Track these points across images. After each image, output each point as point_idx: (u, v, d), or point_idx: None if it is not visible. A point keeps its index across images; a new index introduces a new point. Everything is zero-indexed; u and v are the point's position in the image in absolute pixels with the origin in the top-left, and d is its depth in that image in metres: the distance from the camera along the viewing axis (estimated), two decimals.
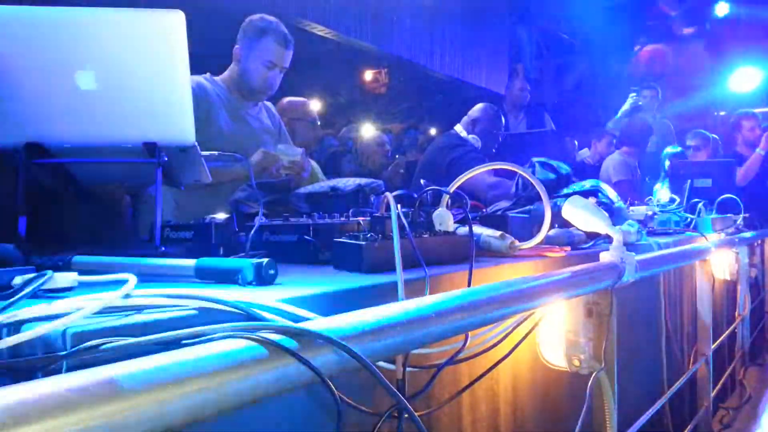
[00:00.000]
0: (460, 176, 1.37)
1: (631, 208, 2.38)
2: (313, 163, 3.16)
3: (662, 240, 2.02)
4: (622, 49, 9.10)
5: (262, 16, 2.27)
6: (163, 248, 1.22)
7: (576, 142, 5.31)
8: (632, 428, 1.47)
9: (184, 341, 0.48)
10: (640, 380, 1.84)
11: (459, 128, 3.60)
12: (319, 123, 3.37)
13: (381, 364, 0.80)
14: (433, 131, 6.87)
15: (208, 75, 2.30)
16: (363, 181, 1.89)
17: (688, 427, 2.20)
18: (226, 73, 2.33)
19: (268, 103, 2.50)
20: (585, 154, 5.37)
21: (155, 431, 0.38)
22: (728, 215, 3.03)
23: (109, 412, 0.36)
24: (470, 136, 3.51)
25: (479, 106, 3.67)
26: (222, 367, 0.43)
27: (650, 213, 2.41)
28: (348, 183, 1.85)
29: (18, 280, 0.76)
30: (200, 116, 2.12)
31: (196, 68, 1.36)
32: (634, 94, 5.30)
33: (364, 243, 1.01)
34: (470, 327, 0.76)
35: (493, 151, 3.51)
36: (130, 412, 0.37)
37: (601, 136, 5.14)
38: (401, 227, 0.98)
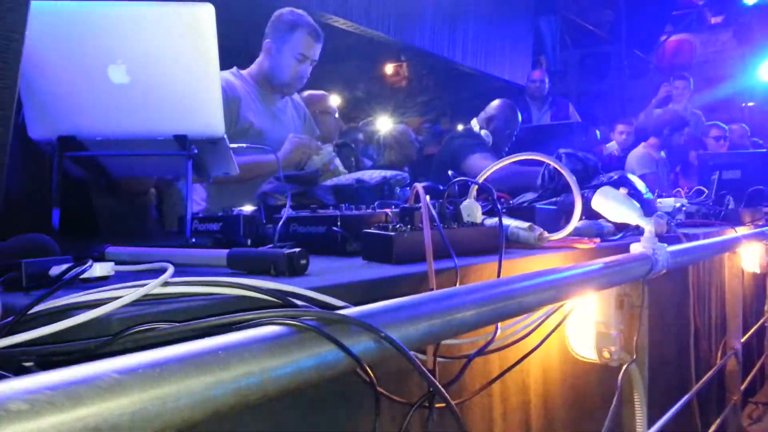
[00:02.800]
0: (489, 167, 1.37)
1: (659, 199, 2.35)
2: (336, 158, 3.17)
3: (691, 231, 1.99)
4: (648, 40, 8.95)
5: (291, 9, 2.28)
6: (193, 240, 1.24)
7: (598, 133, 5.26)
8: (660, 421, 1.45)
9: (227, 327, 0.48)
10: (668, 373, 1.81)
11: (474, 122, 3.62)
12: (337, 115, 3.38)
13: (412, 353, 0.80)
14: (453, 124, 6.84)
15: (234, 69, 2.32)
16: (388, 173, 1.90)
17: (717, 421, 2.16)
18: (254, 67, 2.34)
19: (295, 95, 2.52)
20: (612, 147, 5.30)
21: (205, 414, 0.39)
22: (758, 207, 2.97)
23: (161, 395, 0.37)
24: (482, 132, 3.52)
25: (496, 102, 3.66)
26: (266, 352, 0.43)
27: (678, 205, 2.37)
28: (373, 175, 1.86)
29: (55, 269, 0.78)
30: (228, 111, 2.15)
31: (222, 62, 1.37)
32: (665, 84, 5.22)
33: (394, 234, 1.01)
34: (504, 316, 0.76)
35: (506, 150, 3.52)
36: (181, 395, 0.38)
37: (614, 126, 5.11)
38: (431, 218, 0.98)
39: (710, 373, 2.03)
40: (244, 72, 2.33)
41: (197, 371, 0.39)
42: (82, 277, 0.74)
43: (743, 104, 8.19)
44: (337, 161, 3.15)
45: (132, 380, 0.36)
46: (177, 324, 0.49)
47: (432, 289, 0.82)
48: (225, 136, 1.33)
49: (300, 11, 2.28)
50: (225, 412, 0.40)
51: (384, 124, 5.04)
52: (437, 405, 0.81)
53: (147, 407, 0.36)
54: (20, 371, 0.50)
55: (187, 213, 1.24)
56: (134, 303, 0.58)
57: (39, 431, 0.31)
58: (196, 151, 1.29)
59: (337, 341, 0.47)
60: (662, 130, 4.38)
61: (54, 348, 0.49)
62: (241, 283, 0.62)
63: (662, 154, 4.49)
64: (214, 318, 0.50)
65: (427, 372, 0.56)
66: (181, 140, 1.27)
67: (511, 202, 1.94)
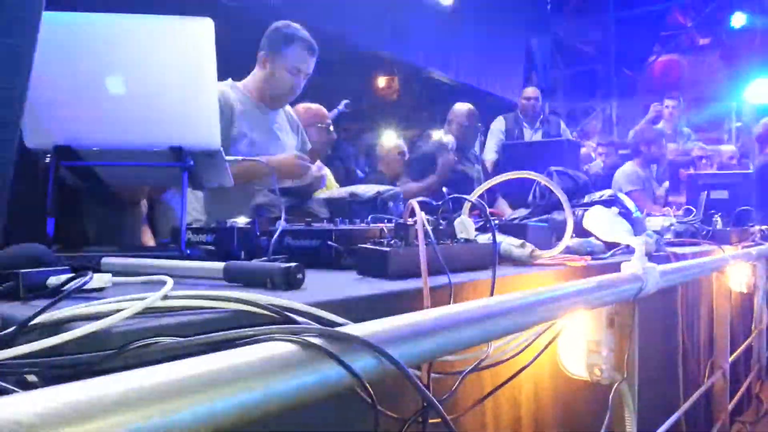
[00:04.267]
0: (482, 185, 1.38)
1: (648, 218, 2.38)
2: (326, 170, 3.18)
3: (680, 251, 2.01)
4: (637, 59, 9.08)
5: (287, 23, 2.29)
6: (188, 252, 1.24)
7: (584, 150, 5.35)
8: None
9: (230, 342, 0.49)
10: (657, 392, 1.83)
11: (437, 133, 3.81)
12: (332, 128, 3.40)
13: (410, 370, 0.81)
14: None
15: (230, 81, 2.33)
16: (381, 188, 1.91)
17: None
18: (248, 79, 2.36)
19: (287, 107, 2.53)
20: (597, 165, 5.37)
21: (207, 430, 0.39)
22: (745, 227, 3.02)
23: (167, 411, 0.37)
24: (446, 138, 3.70)
25: (455, 106, 3.97)
26: (268, 369, 0.44)
27: (667, 224, 2.40)
28: (367, 190, 1.87)
29: (53, 280, 0.78)
30: (222, 122, 2.15)
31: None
32: (656, 104, 5.31)
33: (389, 249, 1.02)
34: (499, 334, 0.77)
35: (475, 148, 3.72)
36: (185, 411, 0.38)
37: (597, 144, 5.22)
38: (425, 235, 0.99)
39: (698, 392, 2.05)
40: (239, 84, 2.34)
41: (201, 387, 0.39)
42: (79, 288, 0.74)
43: (730, 125, 8.32)
44: (328, 172, 3.15)
45: (138, 397, 0.37)
46: (180, 338, 0.50)
47: (427, 306, 0.83)
48: (221, 149, 1.34)
49: (296, 25, 2.30)
50: (227, 428, 0.40)
51: (376, 137, 5.07)
52: (431, 420, 0.82)
53: (153, 423, 0.36)
54: (22, 384, 0.50)
55: (181, 224, 1.24)
56: (135, 316, 0.58)
57: None
58: (191, 162, 1.30)
59: (339, 359, 0.48)
60: (639, 147, 4.48)
61: (57, 361, 0.49)
62: (242, 297, 0.62)
63: (653, 167, 4.56)
64: (217, 333, 0.50)
65: (424, 389, 0.57)
66: (177, 152, 1.28)
67: (503, 219, 1.96)
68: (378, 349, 0.51)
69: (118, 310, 0.57)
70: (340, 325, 0.61)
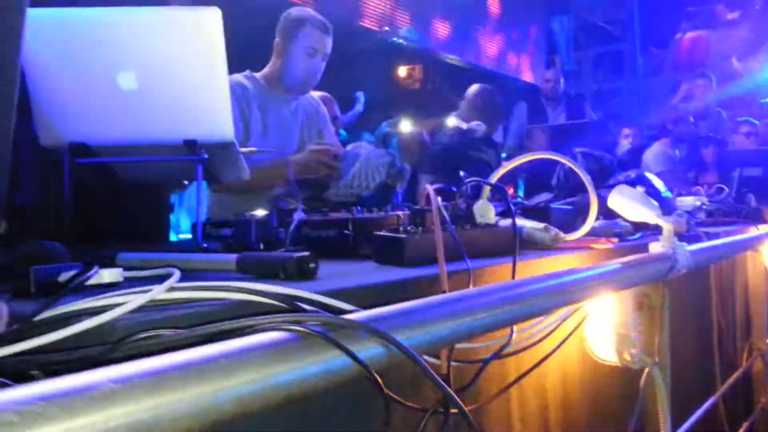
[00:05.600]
0: (502, 167, 1.34)
1: (679, 198, 2.31)
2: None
3: (712, 230, 1.95)
4: (663, 37, 8.84)
5: (298, 7, 2.27)
6: (205, 245, 1.23)
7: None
8: (685, 425, 1.41)
9: (230, 333, 0.47)
10: (691, 376, 1.77)
11: (453, 120, 3.63)
12: (338, 118, 3.36)
13: (426, 358, 0.78)
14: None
15: (248, 72, 2.32)
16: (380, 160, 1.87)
17: (744, 425, 2.11)
18: (266, 69, 2.33)
19: (313, 94, 2.49)
20: (624, 147, 5.25)
21: (205, 423, 0.37)
22: None
23: (159, 404, 0.35)
24: (474, 123, 3.54)
25: (472, 88, 3.74)
26: (269, 359, 0.42)
27: (698, 203, 2.33)
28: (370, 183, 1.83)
29: (64, 276, 0.78)
30: (239, 115, 2.14)
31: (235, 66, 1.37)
32: (686, 83, 5.16)
33: (405, 236, 0.99)
34: (518, 319, 0.74)
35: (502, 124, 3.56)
36: (179, 405, 0.36)
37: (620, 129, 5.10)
38: (442, 220, 0.96)
39: (735, 374, 1.98)
40: (257, 74, 2.33)
41: (197, 379, 0.37)
42: (92, 283, 0.73)
43: (762, 100, 8.05)
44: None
45: (128, 389, 0.35)
46: (180, 330, 0.48)
47: (444, 292, 0.80)
48: (235, 141, 1.32)
49: (307, 8, 2.28)
50: (226, 420, 0.38)
51: (403, 125, 5.03)
52: (452, 410, 0.79)
53: (143, 417, 0.34)
54: (26, 380, 0.49)
55: (197, 218, 1.23)
56: (140, 309, 0.57)
57: None
58: (206, 155, 1.29)
59: (343, 347, 0.45)
60: (666, 126, 4.36)
61: (56, 356, 0.47)
62: (248, 287, 0.60)
63: (677, 152, 4.44)
64: (217, 324, 0.48)
65: (437, 377, 0.54)
66: (191, 145, 1.27)
67: (525, 202, 1.91)
68: (385, 336, 0.48)
69: (122, 304, 0.55)
70: (349, 312, 0.58)
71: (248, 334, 0.46)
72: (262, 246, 1.28)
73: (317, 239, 1.28)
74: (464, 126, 3.46)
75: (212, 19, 1.21)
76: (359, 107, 4.58)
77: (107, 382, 0.35)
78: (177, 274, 0.64)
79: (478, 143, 3.61)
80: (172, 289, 0.61)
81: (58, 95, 1.25)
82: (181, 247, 1.37)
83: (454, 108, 3.98)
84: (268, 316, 0.48)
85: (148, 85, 1.25)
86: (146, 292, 0.58)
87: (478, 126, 3.49)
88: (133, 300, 0.55)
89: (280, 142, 2.21)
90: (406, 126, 4.29)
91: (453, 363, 0.81)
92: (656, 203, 1.22)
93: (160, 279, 0.70)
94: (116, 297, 0.58)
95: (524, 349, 0.92)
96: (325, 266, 0.88)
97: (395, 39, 5.01)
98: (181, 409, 0.36)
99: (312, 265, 0.85)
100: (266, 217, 1.36)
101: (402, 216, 1.23)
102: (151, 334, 0.48)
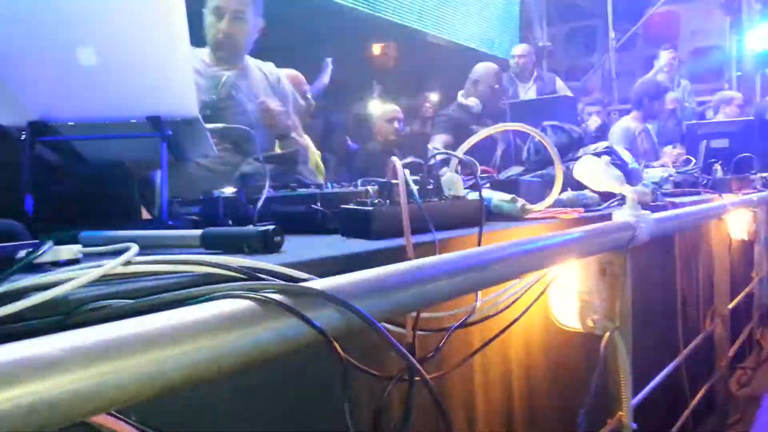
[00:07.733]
0: (470, 139, 1.35)
1: (646, 170, 2.34)
2: (308, 139, 3.11)
3: (678, 200, 1.99)
4: (635, 12, 8.88)
5: None
6: (171, 222, 1.22)
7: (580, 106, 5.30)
8: (647, 387, 1.45)
9: (184, 301, 0.47)
10: (656, 341, 1.82)
11: (460, 94, 3.74)
12: (310, 95, 3.34)
13: (391, 327, 0.79)
14: (437, 100, 6.75)
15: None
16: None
17: (705, 386, 2.18)
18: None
19: (258, 62, 2.38)
20: (596, 122, 5.30)
21: (154, 390, 0.38)
22: (746, 175, 2.97)
23: (104, 371, 0.35)
24: (470, 99, 3.66)
25: (478, 66, 3.83)
26: (220, 326, 0.42)
27: (666, 174, 2.37)
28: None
29: (22, 254, 0.76)
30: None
31: None
32: (670, 51, 5.23)
33: (371, 208, 0.99)
34: (481, 286, 0.75)
35: (501, 105, 3.60)
36: (126, 372, 0.36)
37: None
38: (409, 192, 0.97)
39: (698, 339, 2.04)
40: (195, 49, 2.25)
41: (144, 347, 0.37)
42: (50, 260, 0.72)
43: (730, 74, 8.17)
44: (309, 141, 3.09)
45: (72, 358, 0.35)
46: (130, 300, 0.48)
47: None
48: (200, 117, 1.31)
49: None
50: (176, 388, 0.39)
51: (373, 105, 4.99)
52: (417, 378, 0.80)
53: (89, 385, 0.34)
54: None
55: (162, 195, 1.21)
56: (95, 283, 0.56)
57: None
58: (170, 132, 1.27)
59: (298, 313, 0.46)
60: (641, 101, 4.38)
61: (4, 329, 0.47)
62: (207, 260, 0.60)
63: (648, 125, 4.48)
64: (169, 293, 0.48)
65: (396, 343, 0.55)
66: (155, 121, 1.25)
67: (496, 176, 1.93)
68: (342, 302, 0.49)
69: (76, 278, 0.55)
70: (307, 281, 0.59)
71: (203, 302, 0.46)
72: (230, 223, 1.27)
73: (286, 215, 1.27)
74: (470, 103, 3.61)
75: None
76: (326, 78, 4.50)
77: (51, 350, 0.34)
78: (135, 248, 0.64)
79: (483, 118, 3.69)
80: (129, 263, 0.60)
81: (16, 73, 1.21)
82: (147, 225, 1.35)
83: (430, 86, 4.12)
84: (223, 284, 0.48)
85: (108, 61, 1.22)
86: (101, 266, 0.57)
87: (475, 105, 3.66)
88: (87, 273, 0.55)
89: (221, 118, 2.13)
90: (379, 107, 4.29)
91: (418, 332, 0.82)
92: (619, 173, 1.24)
93: (120, 254, 0.70)
94: (71, 272, 0.58)
95: (489, 317, 0.94)
96: (292, 240, 0.88)
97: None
98: (126, 377, 0.36)
99: (277, 238, 0.85)
100: (234, 194, 1.35)
101: (370, 190, 1.24)
102: (103, 304, 0.47)
